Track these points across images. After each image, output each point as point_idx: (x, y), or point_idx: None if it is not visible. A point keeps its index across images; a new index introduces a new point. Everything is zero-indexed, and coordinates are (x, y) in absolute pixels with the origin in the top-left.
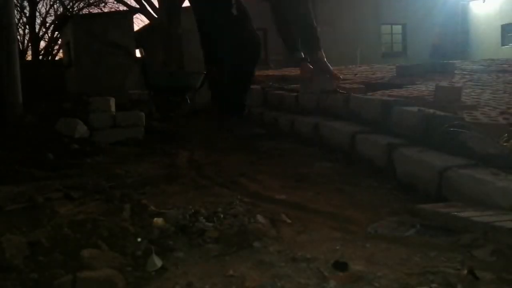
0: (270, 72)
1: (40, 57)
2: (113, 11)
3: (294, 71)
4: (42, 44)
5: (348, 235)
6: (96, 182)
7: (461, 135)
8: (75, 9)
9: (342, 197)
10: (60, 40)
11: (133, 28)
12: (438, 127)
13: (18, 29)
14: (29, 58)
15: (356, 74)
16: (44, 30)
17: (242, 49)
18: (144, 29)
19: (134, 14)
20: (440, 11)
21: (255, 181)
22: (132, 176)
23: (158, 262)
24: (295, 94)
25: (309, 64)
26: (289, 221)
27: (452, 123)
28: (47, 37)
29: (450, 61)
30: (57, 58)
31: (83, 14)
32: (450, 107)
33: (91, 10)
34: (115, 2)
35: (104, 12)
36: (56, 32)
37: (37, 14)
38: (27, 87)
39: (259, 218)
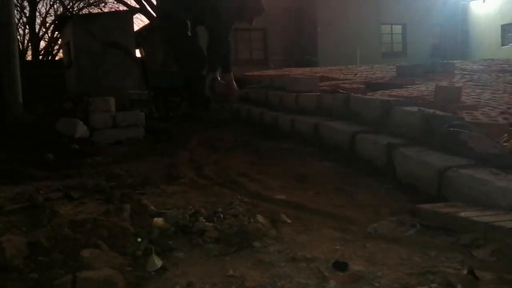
0: (270, 72)
1: (40, 57)
2: (113, 11)
3: (294, 71)
4: (42, 44)
5: (348, 235)
6: (96, 182)
7: (461, 135)
8: (75, 9)
9: (342, 197)
10: (60, 40)
11: (133, 28)
12: (438, 127)
13: (18, 29)
14: (29, 58)
15: (356, 74)
16: (44, 30)
17: (195, 59)
18: (144, 29)
19: (134, 14)
20: (440, 11)
21: (255, 181)
22: (132, 176)
23: (158, 262)
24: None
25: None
26: (289, 221)
27: (452, 123)
28: (47, 37)
29: (450, 61)
30: (57, 58)
31: (83, 14)
32: (450, 107)
33: (91, 10)
34: (115, 2)
35: (104, 12)
36: (56, 32)
37: (37, 14)
38: (27, 87)
39: (259, 218)
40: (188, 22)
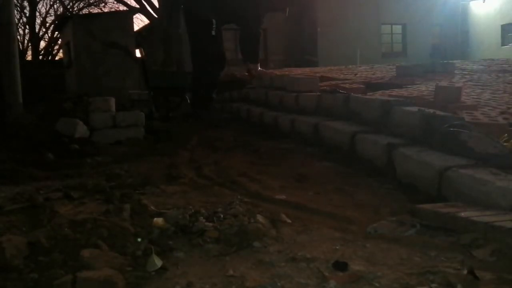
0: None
1: (40, 57)
2: (113, 11)
3: (294, 71)
4: (42, 44)
5: (348, 235)
6: (96, 182)
7: (461, 135)
8: (75, 9)
9: (342, 197)
10: (60, 40)
11: (133, 28)
12: (438, 127)
13: (18, 29)
14: (29, 58)
15: (356, 74)
16: (44, 30)
17: (215, 60)
18: (144, 29)
19: (134, 14)
20: (440, 11)
21: (255, 181)
22: (132, 176)
23: (158, 262)
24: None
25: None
26: (289, 221)
27: (452, 123)
28: (47, 37)
29: (450, 61)
30: (57, 58)
31: (83, 14)
32: (450, 107)
33: (91, 10)
34: (115, 2)
35: (104, 12)
36: (56, 32)
37: (37, 14)
38: (27, 87)
39: (259, 218)
40: (214, 21)
